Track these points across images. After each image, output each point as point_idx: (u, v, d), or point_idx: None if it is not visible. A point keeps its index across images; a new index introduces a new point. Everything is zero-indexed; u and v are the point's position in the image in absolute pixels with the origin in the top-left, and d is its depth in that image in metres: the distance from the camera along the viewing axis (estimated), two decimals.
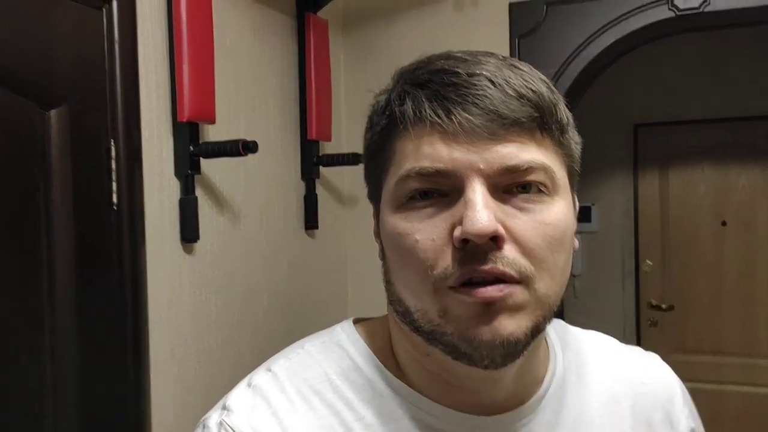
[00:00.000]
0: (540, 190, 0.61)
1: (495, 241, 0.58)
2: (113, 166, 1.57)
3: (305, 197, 2.35)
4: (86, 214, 1.50)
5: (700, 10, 2.16)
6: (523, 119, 0.60)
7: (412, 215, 0.62)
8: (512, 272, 0.58)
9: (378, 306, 2.85)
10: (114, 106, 1.58)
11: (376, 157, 0.68)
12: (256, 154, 1.80)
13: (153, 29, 1.68)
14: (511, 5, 2.36)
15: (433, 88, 0.62)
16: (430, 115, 0.60)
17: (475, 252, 0.58)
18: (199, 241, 1.81)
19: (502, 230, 0.58)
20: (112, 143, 1.57)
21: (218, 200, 1.92)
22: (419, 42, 2.48)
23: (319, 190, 2.42)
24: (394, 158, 0.64)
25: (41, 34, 1.40)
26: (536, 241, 0.60)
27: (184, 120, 1.72)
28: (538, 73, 0.65)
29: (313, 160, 2.34)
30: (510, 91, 0.60)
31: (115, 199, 1.57)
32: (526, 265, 0.59)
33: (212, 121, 1.79)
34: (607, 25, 2.25)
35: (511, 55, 2.35)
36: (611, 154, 4.13)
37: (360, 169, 2.58)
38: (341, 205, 2.59)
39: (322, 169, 2.42)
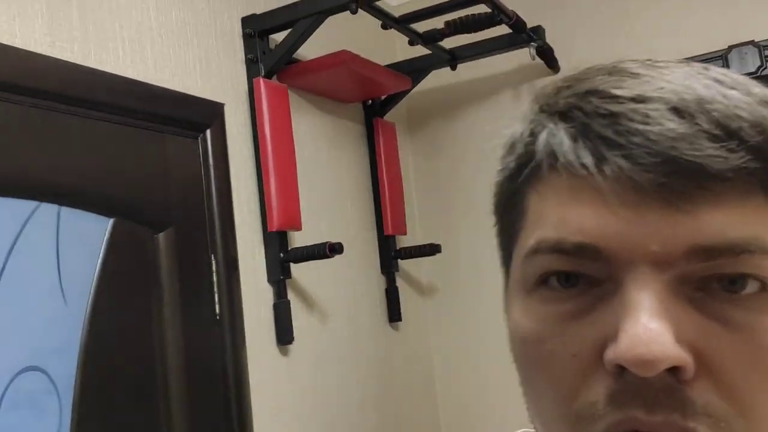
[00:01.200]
0: (763, 289, 0.37)
1: (675, 373, 0.36)
2: (214, 279, 1.70)
3: (387, 291, 2.42)
4: (193, 327, 1.62)
5: (757, 74, 2.19)
6: (731, 173, 0.37)
7: (545, 311, 0.42)
8: (704, 427, 0.36)
9: (468, 395, 2.88)
10: (212, 224, 1.72)
11: (506, 210, 0.48)
12: (340, 254, 1.90)
13: (241, 151, 1.85)
14: None
15: (580, 119, 0.40)
16: (573, 162, 0.40)
17: (642, 387, 0.36)
18: (293, 343, 1.90)
19: (687, 359, 0.36)
20: (213, 258, 1.70)
21: (308, 301, 2.02)
22: (482, 134, 2.59)
23: (400, 283, 2.50)
24: (526, 218, 0.45)
25: (149, 165, 1.57)
26: (750, 377, 0.37)
27: (274, 230, 1.85)
28: (761, 88, 0.41)
29: (391, 254, 2.43)
30: (708, 126, 0.37)
31: (217, 309, 1.69)
32: (727, 414, 0.36)
33: (299, 229, 1.92)
34: None
35: None
36: None
37: (437, 259, 2.65)
38: (422, 295, 2.65)
39: (401, 262, 2.50)
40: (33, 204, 1.32)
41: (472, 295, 2.59)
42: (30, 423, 1.25)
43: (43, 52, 1.35)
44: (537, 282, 0.42)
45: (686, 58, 2.24)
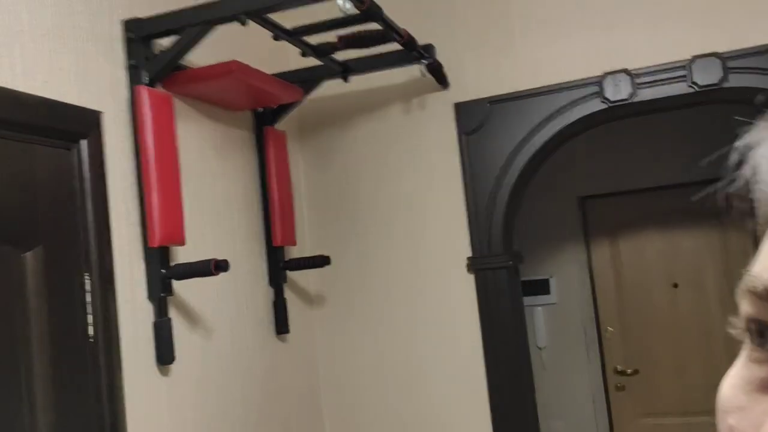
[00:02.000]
0: None
1: None
2: (88, 299, 1.60)
3: (274, 302, 2.39)
4: (64, 350, 1.52)
5: (629, 100, 2.35)
6: None
7: (743, 374, 0.34)
8: None
9: (350, 408, 2.91)
10: (87, 240, 1.62)
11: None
12: (226, 271, 1.85)
13: (121, 162, 1.75)
14: (456, 105, 2.52)
15: None
16: None
17: None
18: (174, 362, 1.83)
19: None
20: (86, 277, 1.60)
21: (191, 317, 1.95)
22: (372, 143, 2.61)
23: (288, 294, 2.47)
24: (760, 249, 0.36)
25: (16, 178, 1.46)
26: None
27: (156, 245, 1.77)
28: None
29: (279, 265, 2.39)
30: None
31: (91, 331, 1.59)
32: None
33: (182, 244, 1.85)
34: (546, 119, 2.42)
35: (461, 151, 2.50)
36: (562, 227, 4.31)
37: (326, 269, 2.66)
38: (310, 306, 2.63)
39: (290, 273, 2.47)
40: None
41: (360, 306, 2.61)
42: None
43: None
44: (744, 329, 0.33)
45: (563, 83, 2.36)
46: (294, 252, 2.52)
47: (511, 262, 2.47)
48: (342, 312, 2.63)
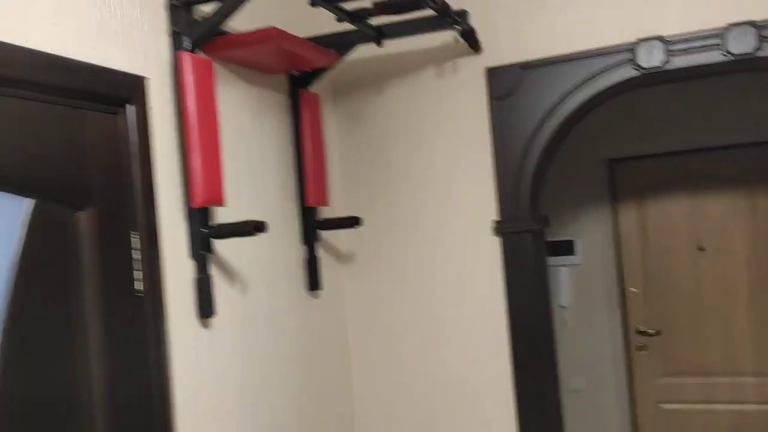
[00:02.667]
0: None
1: None
2: (136, 256, 1.70)
3: (307, 260, 2.48)
4: (114, 303, 1.62)
5: (662, 68, 2.35)
6: None
7: None
8: None
9: (377, 361, 3.03)
10: (134, 200, 1.71)
11: None
12: (264, 232, 1.93)
13: (164, 125, 1.83)
14: (488, 69, 2.54)
15: None
16: None
17: None
18: (214, 316, 1.93)
19: None
20: (134, 235, 1.70)
21: (230, 274, 2.05)
22: (405, 106, 2.66)
23: (321, 253, 2.56)
24: None
25: (68, 143, 1.54)
26: None
27: (197, 206, 1.86)
28: None
29: (312, 225, 2.48)
30: None
31: (138, 286, 1.70)
32: None
33: (222, 205, 1.93)
34: (579, 84, 2.43)
35: (491, 116, 2.53)
36: (589, 189, 4.32)
37: (357, 229, 2.76)
38: (341, 264, 2.73)
39: (322, 233, 2.56)
40: None
41: (388, 265, 2.70)
42: None
43: None
44: None
45: (596, 49, 2.37)
46: (326, 212, 2.60)
47: (537, 227, 2.52)
48: (371, 271, 2.72)
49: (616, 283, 4.32)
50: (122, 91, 1.70)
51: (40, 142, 1.47)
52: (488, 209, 2.56)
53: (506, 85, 2.52)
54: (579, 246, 4.39)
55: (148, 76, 1.78)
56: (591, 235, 4.39)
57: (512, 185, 2.51)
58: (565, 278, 4.44)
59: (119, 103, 1.69)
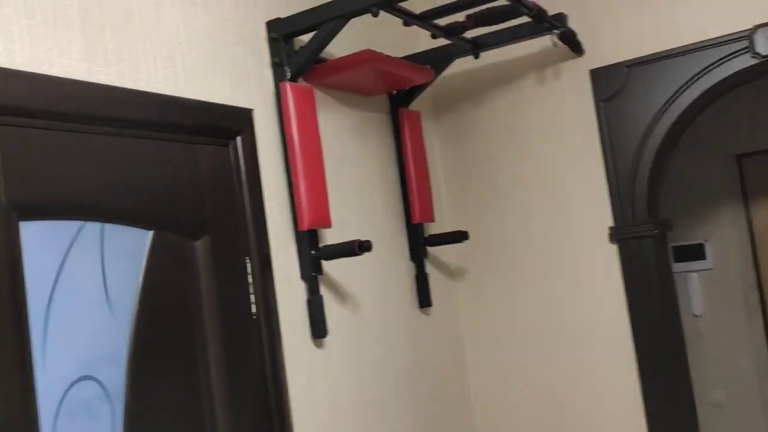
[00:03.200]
0: None
1: None
2: (250, 280, 1.78)
3: (416, 277, 2.49)
4: (231, 326, 1.70)
5: None
6: None
7: None
8: None
9: (498, 377, 2.96)
10: (245, 227, 1.79)
11: None
12: (369, 251, 1.96)
13: (271, 153, 1.91)
14: (592, 71, 2.45)
15: None
16: None
17: None
18: (327, 335, 1.98)
19: None
20: (247, 260, 1.78)
21: (340, 294, 2.10)
22: (506, 117, 2.61)
23: (429, 269, 2.56)
24: None
25: (184, 176, 1.65)
26: None
27: (305, 229, 1.92)
28: None
29: (419, 241, 2.49)
30: None
31: (253, 309, 1.77)
32: None
33: (328, 226, 1.98)
34: (691, 79, 2.29)
35: (599, 118, 2.43)
36: (717, 187, 4.04)
37: (465, 243, 2.72)
38: (451, 280, 2.71)
39: (430, 248, 2.56)
40: (78, 224, 1.40)
41: (500, 278, 2.65)
42: (86, 428, 1.36)
43: (81, 78, 1.42)
44: None
45: (708, 40, 2.23)
46: (433, 228, 2.60)
47: (656, 231, 2.38)
48: (483, 284, 2.68)
49: (754, 287, 3.99)
50: (231, 124, 1.79)
51: (158, 177, 1.58)
52: (603, 215, 2.45)
53: (613, 85, 2.41)
54: (710, 249, 4.10)
55: (253, 108, 1.86)
56: (723, 237, 4.09)
57: (626, 189, 2.39)
58: (696, 285, 4.16)
59: (229, 136, 1.78)
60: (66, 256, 1.37)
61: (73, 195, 1.39)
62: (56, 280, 1.34)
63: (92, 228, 1.43)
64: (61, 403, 1.32)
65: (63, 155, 1.37)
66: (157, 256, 1.55)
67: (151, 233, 1.55)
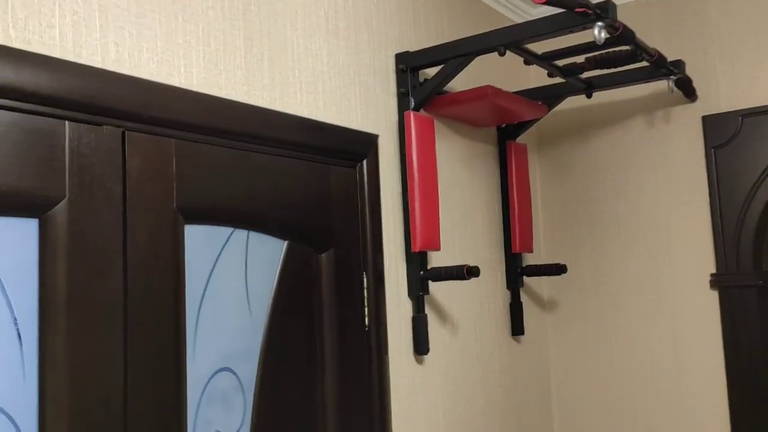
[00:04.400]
0: None
1: None
2: (365, 294, 1.90)
3: (511, 305, 2.56)
4: (346, 336, 1.83)
5: None
6: None
7: None
8: None
9: (579, 412, 2.99)
10: (364, 244, 1.92)
11: None
12: (477, 277, 2.05)
13: (390, 177, 2.04)
14: (704, 118, 2.47)
15: None
16: None
17: None
18: (428, 353, 2.08)
19: None
20: (364, 275, 1.90)
21: (442, 315, 2.19)
22: (612, 157, 2.66)
23: (523, 298, 2.62)
24: None
25: (317, 193, 1.79)
26: None
27: (417, 250, 2.03)
28: None
29: (517, 271, 2.56)
30: None
31: (366, 322, 1.89)
32: None
33: (438, 249, 2.08)
34: None
35: (708, 165, 2.45)
36: None
37: (559, 277, 2.78)
38: (543, 311, 2.76)
39: (525, 279, 2.62)
40: (229, 230, 1.56)
41: (593, 314, 2.68)
42: (222, 414, 1.50)
43: (242, 100, 1.58)
44: None
45: None
46: (530, 259, 2.67)
47: (761, 282, 2.37)
48: (575, 319, 2.72)
49: None
50: (359, 147, 1.93)
51: (295, 192, 1.73)
52: (705, 261, 2.46)
53: (725, 133, 2.43)
54: None
55: (379, 134, 2.00)
56: None
57: (732, 237, 2.39)
58: None
59: (357, 159, 1.92)
60: (218, 258, 1.52)
61: (228, 203, 1.54)
62: (209, 280, 1.49)
63: (240, 235, 1.58)
64: (203, 391, 1.46)
65: (222, 167, 1.53)
66: (289, 264, 1.70)
67: (286, 243, 1.70)
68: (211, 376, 1.49)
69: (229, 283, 1.55)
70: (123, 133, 1.33)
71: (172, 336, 1.39)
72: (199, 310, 1.47)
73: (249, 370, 1.57)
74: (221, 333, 1.52)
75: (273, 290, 1.66)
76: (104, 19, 1.32)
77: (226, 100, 1.54)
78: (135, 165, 1.35)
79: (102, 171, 1.30)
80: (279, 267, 1.68)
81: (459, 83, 2.34)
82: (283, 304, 1.67)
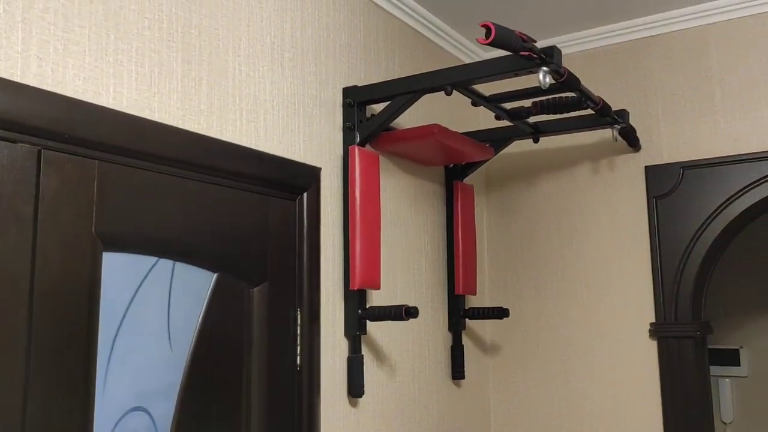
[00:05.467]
0: None
1: None
2: (298, 331, 1.82)
3: (452, 348, 2.51)
4: (276, 375, 1.74)
5: None
6: None
7: None
8: None
9: None
10: (300, 280, 1.85)
11: None
12: (415, 317, 2.00)
13: (332, 212, 1.99)
14: (647, 168, 2.50)
15: None
16: None
17: None
18: (363, 396, 2.00)
19: None
20: (298, 312, 1.83)
21: (379, 356, 2.13)
22: (557, 202, 2.67)
23: (465, 341, 2.58)
24: None
25: (253, 225, 1.72)
26: None
27: (355, 288, 1.97)
28: None
29: (459, 313, 2.51)
30: None
31: (298, 360, 1.81)
32: None
33: (378, 288, 2.03)
34: (746, 187, 2.33)
35: (649, 215, 2.47)
36: (759, 295, 4.00)
37: (502, 321, 2.75)
38: (485, 354, 2.72)
39: (468, 321, 2.58)
40: (153, 259, 1.48)
41: (534, 360, 2.65)
42: None
43: (176, 125, 1.52)
44: None
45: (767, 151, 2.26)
46: (474, 301, 2.63)
47: (698, 333, 2.38)
48: (517, 364, 2.68)
49: None
50: (300, 180, 1.88)
51: (229, 223, 1.66)
52: (645, 310, 2.46)
53: (666, 184, 2.46)
54: (745, 356, 4.03)
55: (322, 167, 1.95)
56: (759, 344, 4.02)
57: (671, 287, 2.41)
58: (728, 391, 4.07)
59: (297, 191, 1.86)
60: (138, 288, 1.44)
61: (153, 232, 1.47)
62: (127, 311, 1.41)
63: (165, 265, 1.50)
64: (112, 431, 1.36)
65: (149, 194, 1.46)
66: (217, 297, 1.62)
67: (215, 275, 1.62)
68: (122, 416, 1.39)
69: (150, 315, 1.46)
70: (39, 152, 1.26)
71: (81, 370, 1.30)
72: (113, 343, 1.38)
73: (165, 410, 1.47)
74: (137, 369, 1.42)
75: (198, 324, 1.57)
76: (27, 31, 1.26)
77: (159, 123, 1.48)
78: (51, 185, 1.27)
79: (14, 190, 1.21)
80: (206, 300, 1.60)
81: (409, 121, 2.33)
82: (209, 339, 1.59)
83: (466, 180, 2.59)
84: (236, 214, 1.68)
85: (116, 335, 1.38)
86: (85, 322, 1.31)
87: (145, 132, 1.44)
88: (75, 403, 1.28)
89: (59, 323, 1.26)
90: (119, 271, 1.40)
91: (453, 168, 2.57)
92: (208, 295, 1.60)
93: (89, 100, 1.34)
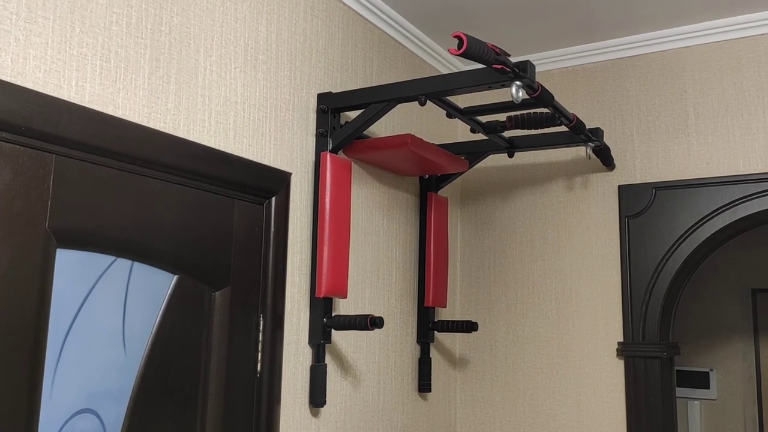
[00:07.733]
0: None
1: None
2: (260, 338, 1.79)
3: (420, 360, 2.49)
4: (235, 380, 1.71)
5: None
6: None
7: None
8: None
9: None
10: (265, 286, 1.83)
11: None
12: (380, 328, 1.98)
13: (301, 218, 1.96)
14: (620, 187, 2.51)
15: None
16: None
17: None
18: (325, 406, 1.97)
19: None
20: (261, 318, 1.80)
21: (344, 366, 2.10)
22: (530, 218, 2.67)
23: (433, 354, 2.56)
24: None
25: (217, 227, 1.70)
26: None
27: (321, 296, 1.95)
28: None
29: (428, 325, 2.50)
30: None
31: (259, 368, 1.78)
32: None
33: (344, 297, 2.01)
34: (717, 210, 2.34)
35: (621, 234, 2.48)
36: (729, 318, 4.03)
37: (471, 334, 2.74)
38: (453, 368, 2.70)
39: (437, 334, 2.56)
40: (110, 258, 1.45)
41: (502, 375, 2.63)
42: None
43: (140, 122, 1.49)
44: None
45: (739, 175, 2.29)
46: (443, 314, 2.62)
47: (665, 353, 2.38)
48: (484, 378, 2.67)
49: (756, 422, 3.92)
50: (270, 184, 1.85)
51: (192, 225, 1.63)
52: (613, 329, 2.46)
53: (638, 204, 2.47)
54: (714, 378, 4.06)
55: (292, 172, 1.93)
56: (730, 367, 4.05)
57: (640, 307, 2.41)
58: (697, 413, 4.09)
59: (265, 195, 1.84)
60: (93, 287, 1.40)
61: (112, 230, 1.43)
62: (79, 310, 1.37)
63: (122, 264, 1.47)
64: None
65: (109, 191, 1.43)
66: (176, 300, 1.59)
67: (175, 277, 1.59)
68: (70, 418, 1.35)
69: (104, 315, 1.43)
70: None
71: (27, 369, 1.26)
72: (63, 343, 1.34)
73: (116, 414, 1.44)
74: (87, 370, 1.39)
75: (155, 327, 1.54)
76: None
77: (123, 120, 1.45)
78: (3, 178, 1.23)
79: None
80: (164, 302, 1.56)
81: (384, 130, 2.32)
82: (166, 343, 1.56)
83: (441, 192, 2.59)
84: (200, 216, 1.65)
85: (67, 335, 1.35)
86: (34, 320, 1.27)
87: (106, 128, 1.41)
88: (20, 403, 1.24)
89: (5, 320, 1.22)
90: (73, 269, 1.36)
91: (428, 179, 2.56)
92: (166, 298, 1.57)
93: (50, 93, 1.32)
